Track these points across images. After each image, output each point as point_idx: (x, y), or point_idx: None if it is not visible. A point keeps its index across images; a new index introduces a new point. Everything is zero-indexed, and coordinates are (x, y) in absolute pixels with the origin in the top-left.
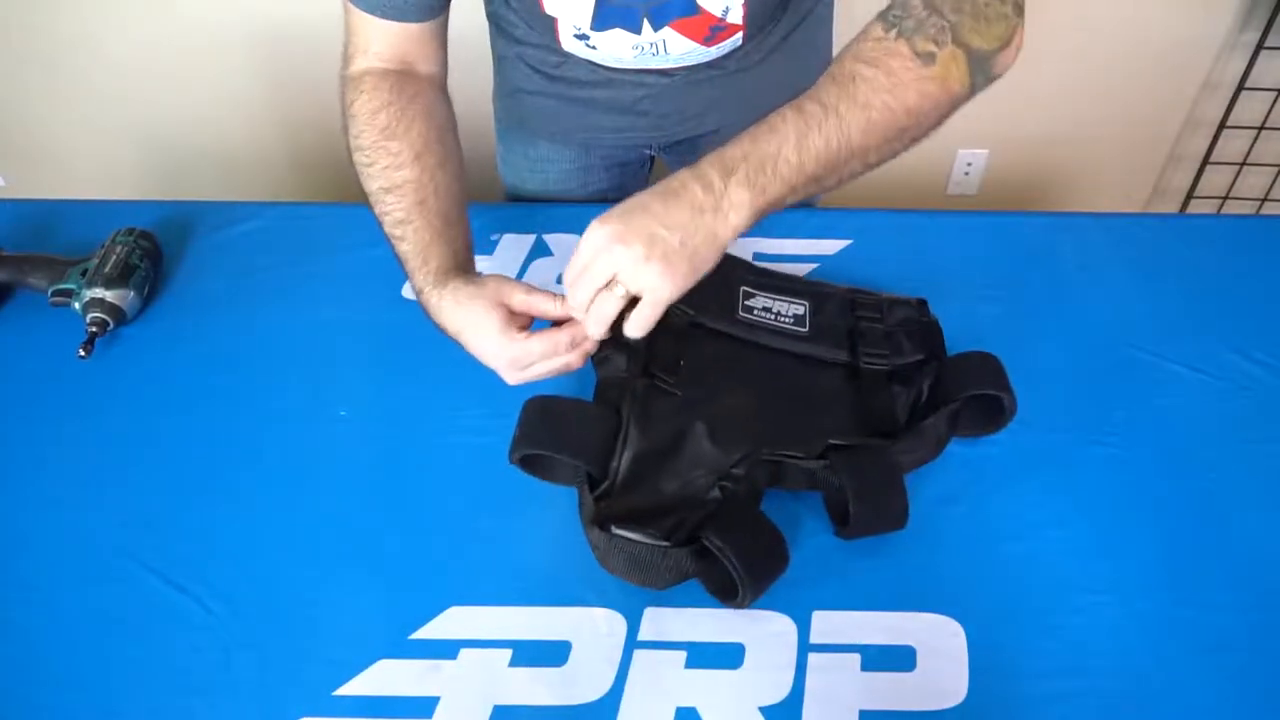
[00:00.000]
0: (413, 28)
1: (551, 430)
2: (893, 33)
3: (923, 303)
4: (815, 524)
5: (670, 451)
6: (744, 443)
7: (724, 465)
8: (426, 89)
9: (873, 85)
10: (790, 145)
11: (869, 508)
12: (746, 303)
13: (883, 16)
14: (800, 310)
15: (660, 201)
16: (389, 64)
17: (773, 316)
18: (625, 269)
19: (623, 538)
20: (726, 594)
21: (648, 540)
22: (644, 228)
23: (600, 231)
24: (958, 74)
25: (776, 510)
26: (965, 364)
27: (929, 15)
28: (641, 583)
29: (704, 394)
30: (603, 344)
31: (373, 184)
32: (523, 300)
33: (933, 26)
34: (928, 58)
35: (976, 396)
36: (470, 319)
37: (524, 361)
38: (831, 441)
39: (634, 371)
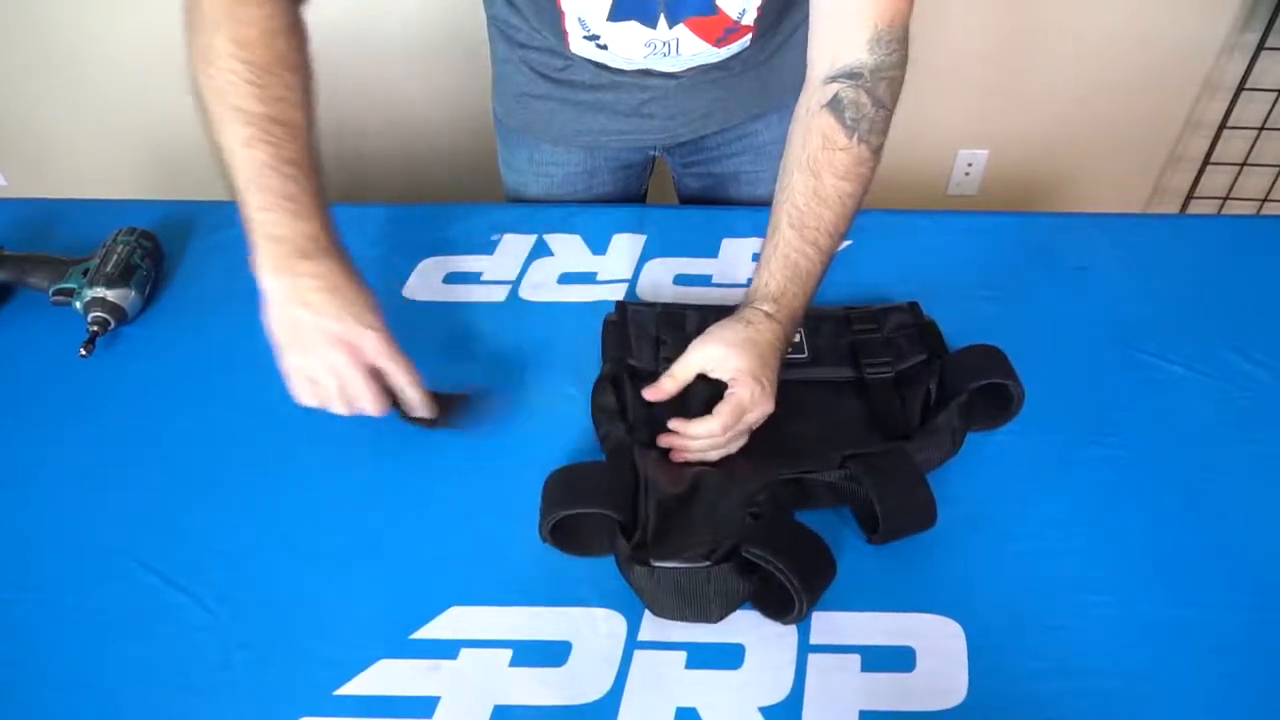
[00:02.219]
0: None
1: (577, 491)
2: (854, 138)
3: (915, 305)
4: (819, 524)
5: (693, 495)
6: (762, 472)
7: (748, 494)
8: (300, 17)
9: (853, 199)
10: (815, 282)
11: (895, 508)
12: None
13: (840, 116)
14: (797, 337)
15: (778, 362)
16: None
17: None
18: (758, 418)
19: (664, 568)
20: (782, 609)
21: (689, 565)
22: (774, 389)
23: (757, 390)
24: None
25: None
26: (969, 357)
27: (876, 111)
28: (697, 617)
29: None
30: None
31: (256, 106)
32: (383, 352)
33: (880, 120)
34: (879, 150)
35: (983, 389)
36: (338, 315)
37: (325, 396)
38: (848, 453)
39: (638, 437)
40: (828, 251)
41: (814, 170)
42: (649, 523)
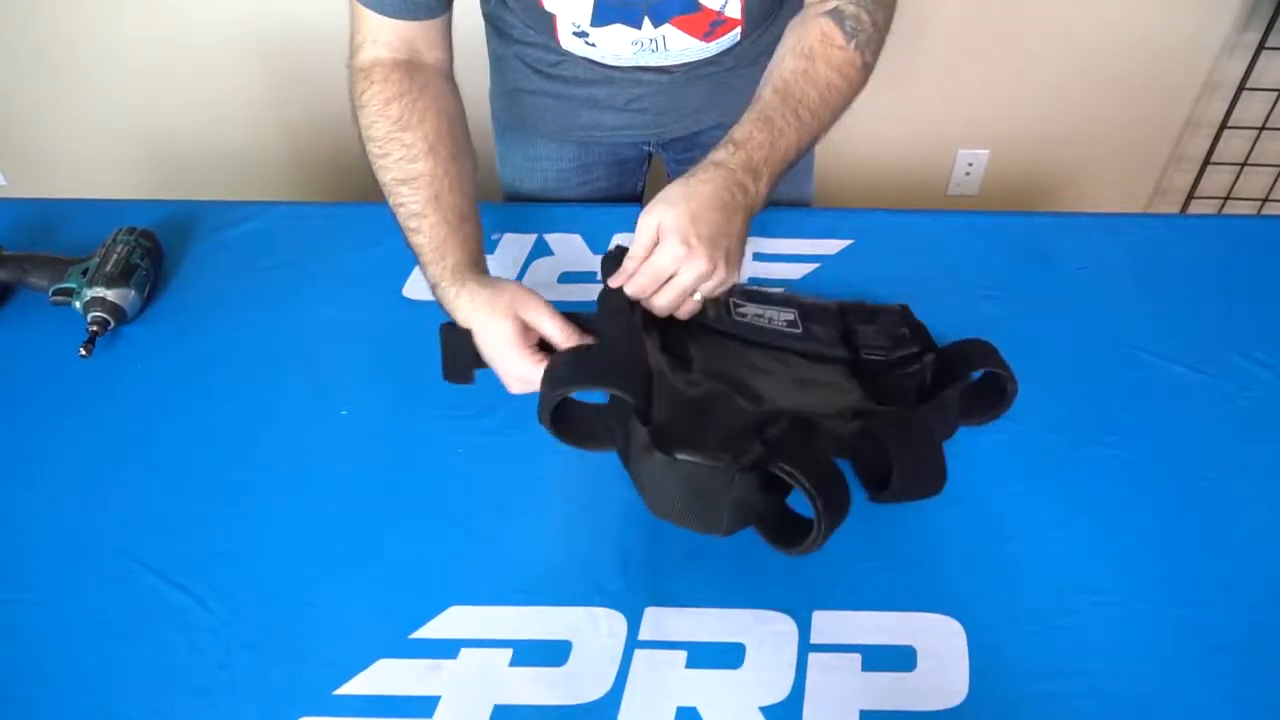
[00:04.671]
0: (420, 22)
1: (590, 369)
2: (852, 44)
3: (905, 308)
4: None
5: (705, 408)
6: (776, 404)
7: (760, 420)
8: (436, 79)
9: (839, 94)
10: (793, 148)
11: (910, 468)
12: (739, 310)
13: (840, 22)
14: (790, 316)
15: (720, 213)
16: (398, 54)
17: (766, 320)
18: (700, 280)
19: (687, 462)
20: (789, 537)
21: (715, 465)
22: (713, 240)
23: (676, 242)
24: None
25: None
26: (963, 348)
27: (874, 31)
28: (701, 525)
29: (723, 371)
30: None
31: (386, 175)
32: (534, 317)
33: (876, 42)
34: (867, 69)
35: (976, 385)
36: (484, 326)
37: (530, 380)
38: (858, 409)
39: (653, 346)
40: (808, 126)
41: (808, 56)
42: (663, 418)
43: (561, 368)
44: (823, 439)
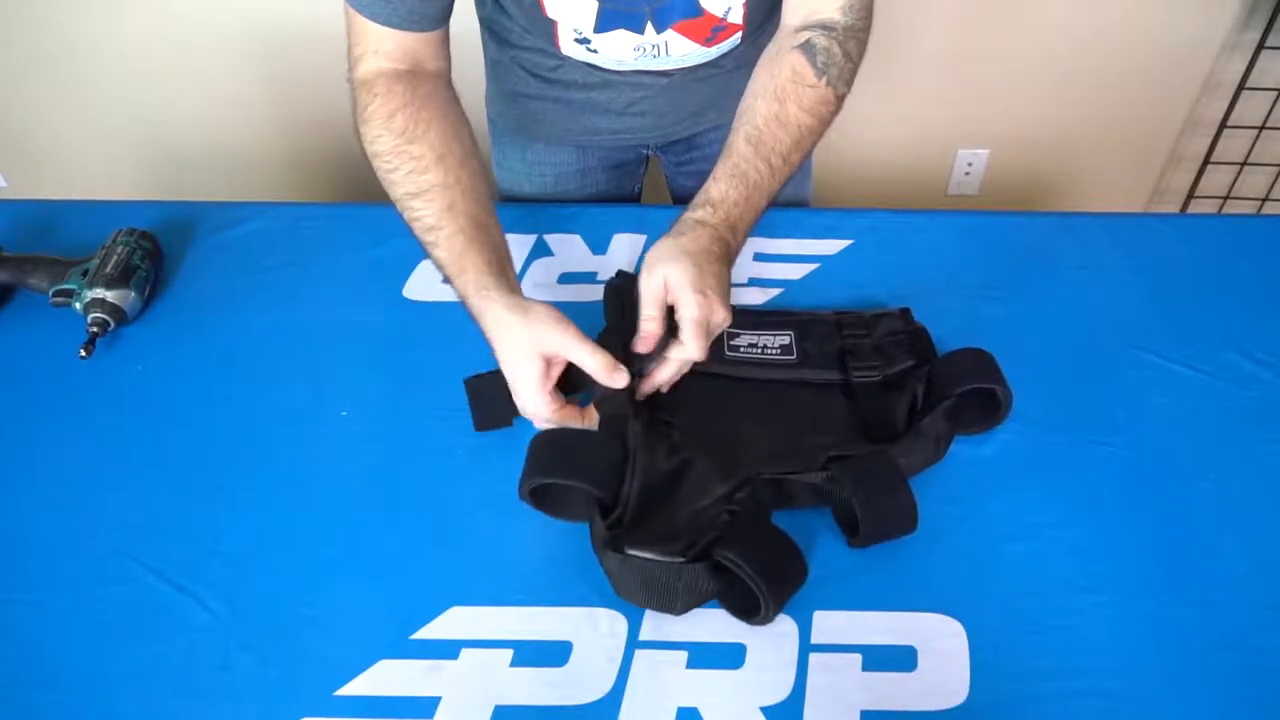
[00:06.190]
0: (421, 34)
1: (562, 459)
2: (824, 80)
3: (906, 311)
4: (816, 524)
5: (676, 482)
6: (745, 467)
7: (728, 489)
8: (437, 87)
9: (811, 134)
10: (766, 199)
11: (876, 512)
12: (732, 342)
13: (811, 58)
14: (786, 340)
15: (717, 264)
16: (399, 64)
17: (759, 350)
18: (720, 326)
19: (638, 558)
20: (749, 611)
21: (663, 559)
22: (720, 290)
23: (692, 295)
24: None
25: (778, 519)
26: (956, 361)
27: (845, 62)
28: (660, 607)
29: (702, 429)
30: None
31: (398, 190)
32: (566, 350)
33: (847, 71)
34: (840, 101)
35: (972, 393)
36: (509, 361)
37: (546, 418)
38: (832, 454)
39: (634, 411)
40: (780, 172)
41: (779, 98)
42: (629, 503)
43: (536, 457)
44: (797, 493)
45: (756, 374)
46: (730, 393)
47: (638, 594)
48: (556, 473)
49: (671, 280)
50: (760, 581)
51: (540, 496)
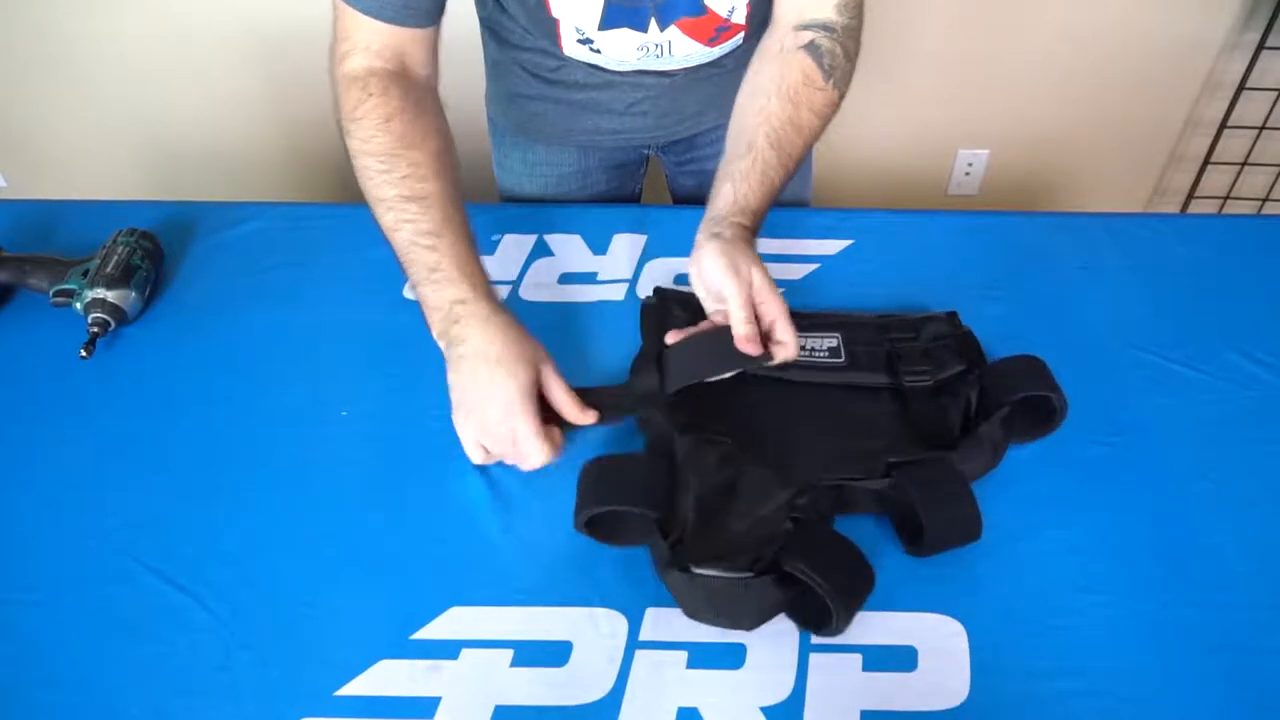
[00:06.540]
0: (412, 30)
1: (613, 487)
2: (830, 83)
3: (953, 315)
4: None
5: (732, 491)
6: (803, 473)
7: (789, 496)
8: (428, 97)
9: (816, 135)
10: (775, 193)
11: (941, 521)
12: None
13: (819, 61)
14: (834, 342)
15: (759, 260)
16: (388, 64)
17: (808, 353)
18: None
19: (704, 576)
20: (819, 623)
21: (729, 575)
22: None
23: (768, 284)
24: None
25: None
26: (1010, 368)
27: (845, 63)
28: (731, 624)
29: (753, 438)
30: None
31: (389, 190)
32: (548, 378)
33: (848, 73)
34: (841, 101)
35: (1025, 400)
36: (509, 358)
37: (497, 456)
38: (891, 460)
39: (678, 427)
40: (790, 172)
41: (794, 101)
42: (688, 522)
43: (587, 487)
44: (857, 500)
45: (806, 377)
46: (780, 398)
47: (707, 612)
48: (610, 500)
49: (757, 281)
50: (833, 593)
51: (595, 525)
